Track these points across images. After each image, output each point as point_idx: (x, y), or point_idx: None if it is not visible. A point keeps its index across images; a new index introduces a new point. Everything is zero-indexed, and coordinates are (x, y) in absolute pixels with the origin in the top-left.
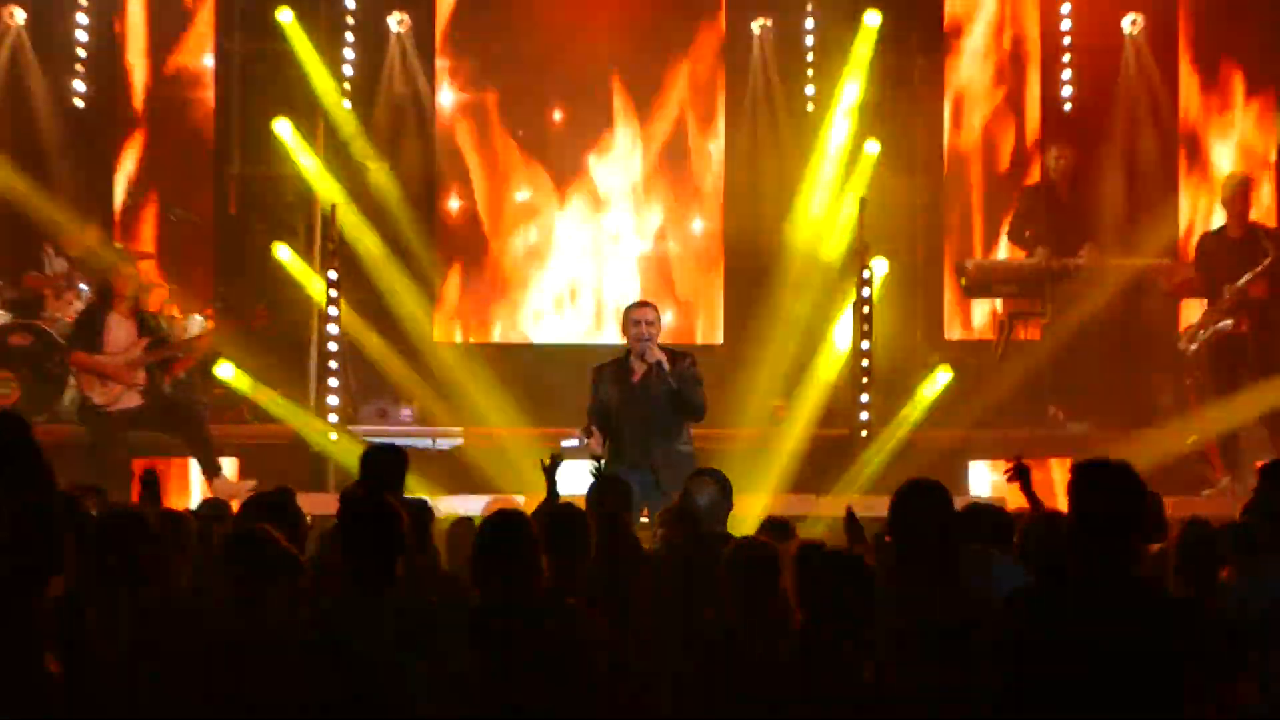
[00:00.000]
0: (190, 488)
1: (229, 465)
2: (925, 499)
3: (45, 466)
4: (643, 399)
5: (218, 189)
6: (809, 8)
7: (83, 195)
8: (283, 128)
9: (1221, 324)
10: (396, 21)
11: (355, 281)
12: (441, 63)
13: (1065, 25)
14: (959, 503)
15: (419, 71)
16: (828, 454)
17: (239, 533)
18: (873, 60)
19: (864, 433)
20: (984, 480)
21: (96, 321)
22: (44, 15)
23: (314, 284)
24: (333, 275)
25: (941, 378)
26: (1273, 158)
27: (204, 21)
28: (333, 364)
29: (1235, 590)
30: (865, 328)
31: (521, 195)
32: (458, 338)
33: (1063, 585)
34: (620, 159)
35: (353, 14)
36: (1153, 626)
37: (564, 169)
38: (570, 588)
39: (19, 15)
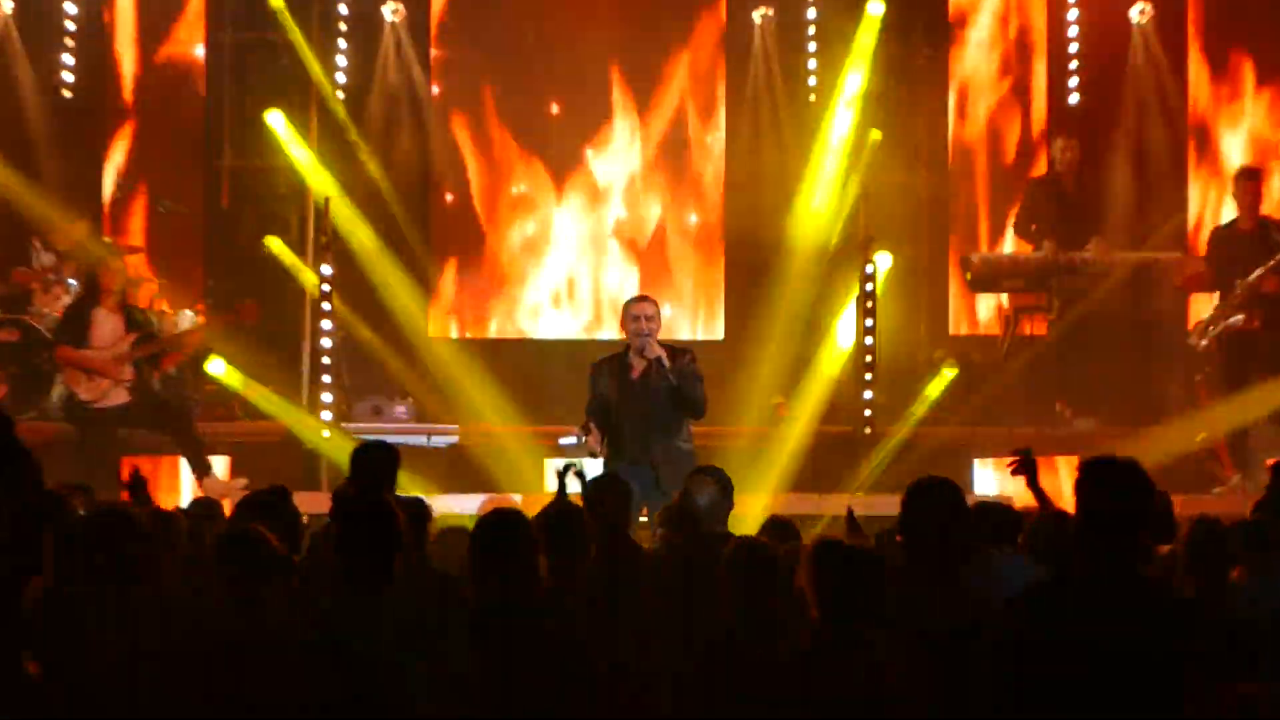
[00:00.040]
0: (180, 487)
1: (220, 463)
2: (937, 497)
3: (33, 465)
4: (642, 396)
5: (209, 181)
6: None
7: (71, 188)
8: (275, 119)
9: (1232, 319)
10: (391, 11)
11: (349, 276)
12: (436, 53)
13: (1072, 15)
14: None
15: (414, 62)
16: (830, 452)
17: (231, 533)
18: (876, 50)
19: (867, 430)
20: (989, 478)
21: (83, 316)
22: (31, 3)
23: (307, 278)
24: (326, 269)
25: (947, 371)
26: None
27: (194, 11)
28: (326, 360)
29: (1246, 590)
30: (869, 323)
31: (518, 188)
32: (453, 333)
33: (1068, 584)
34: (619, 151)
35: (346, 4)
36: (1156, 626)
37: (562, 161)
38: (569, 588)
39: (6, 4)
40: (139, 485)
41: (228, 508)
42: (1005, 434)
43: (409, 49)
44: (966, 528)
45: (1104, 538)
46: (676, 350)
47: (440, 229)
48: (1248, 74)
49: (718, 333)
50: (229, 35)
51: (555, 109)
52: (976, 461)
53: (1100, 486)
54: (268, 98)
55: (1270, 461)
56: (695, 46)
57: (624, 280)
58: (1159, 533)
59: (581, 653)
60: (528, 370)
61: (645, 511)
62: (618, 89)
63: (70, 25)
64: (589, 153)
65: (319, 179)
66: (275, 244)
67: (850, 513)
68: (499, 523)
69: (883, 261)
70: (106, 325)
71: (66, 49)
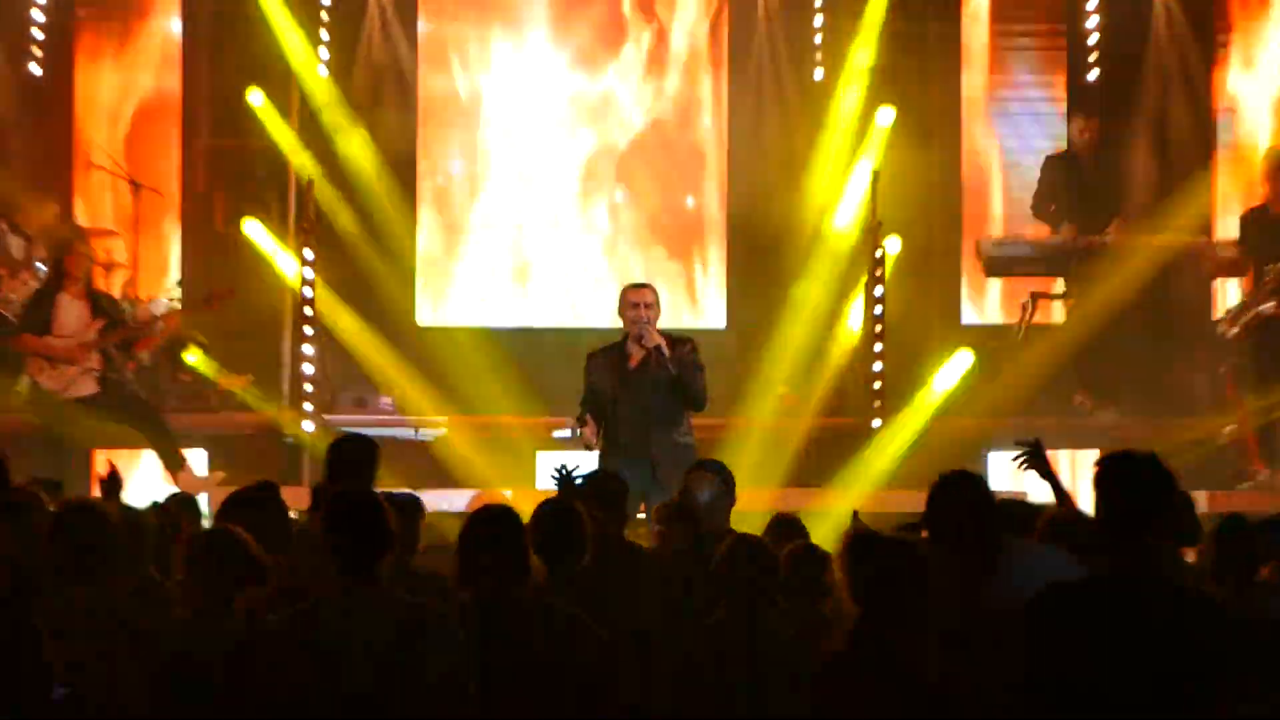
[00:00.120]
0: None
1: (197, 458)
2: (963, 491)
3: None
4: (640, 386)
5: (185, 162)
6: None
7: (40, 169)
8: (255, 97)
9: (1263, 306)
10: None
11: (332, 260)
12: (424, 28)
13: None
14: None
15: (400, 38)
16: (837, 445)
17: (204, 536)
18: (885, 25)
19: (876, 422)
20: (1004, 472)
21: (46, 303)
22: None
23: (288, 263)
24: (308, 254)
25: (961, 361)
26: None
27: None
28: (307, 348)
29: (1276, 589)
30: (878, 310)
31: (510, 169)
32: (442, 320)
33: (1086, 585)
34: (617, 130)
35: None
36: (1180, 627)
37: (556, 142)
38: (563, 588)
39: None
40: (114, 486)
41: (204, 504)
42: (1022, 426)
43: (395, 24)
44: (994, 523)
45: (1123, 536)
46: (677, 339)
47: (428, 211)
48: (1277, 49)
49: (719, 320)
50: (206, 8)
51: (550, 86)
52: (991, 455)
53: (1120, 482)
54: (246, 75)
55: None
56: (698, 21)
57: (621, 265)
58: (1183, 535)
59: (575, 656)
60: (520, 360)
61: (643, 508)
62: (615, 64)
63: (39, 0)
64: (585, 132)
65: (300, 159)
66: (254, 227)
67: (856, 515)
68: (489, 518)
69: (893, 246)
70: (72, 312)
71: (35, 24)
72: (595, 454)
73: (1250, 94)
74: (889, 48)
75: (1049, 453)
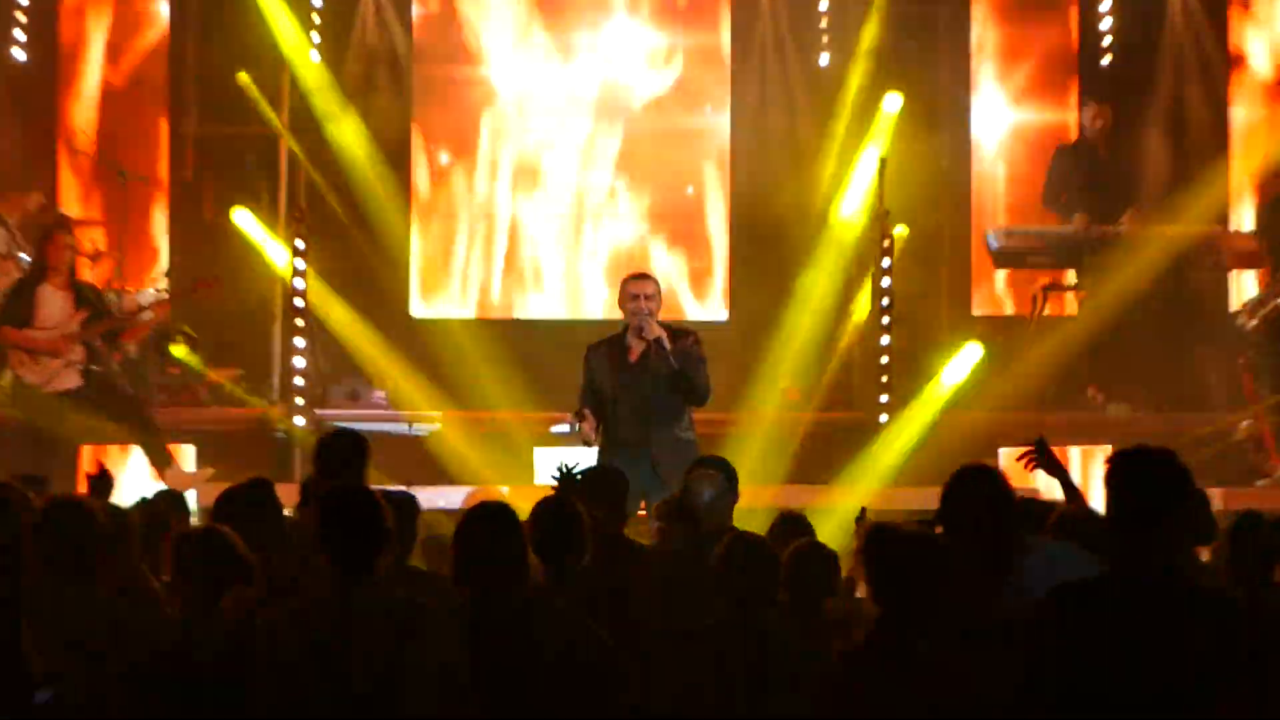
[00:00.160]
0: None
1: (185, 453)
2: (981, 486)
3: None
4: (640, 380)
5: (173, 149)
6: None
7: (24, 157)
8: (246, 81)
9: None
10: None
11: (323, 250)
12: (419, 11)
13: None
14: None
15: (394, 21)
16: (843, 440)
17: (191, 535)
18: (892, 8)
19: (883, 417)
20: (1015, 469)
21: (27, 294)
22: None
23: (278, 253)
24: (299, 243)
25: (971, 353)
26: None
27: None
28: (299, 341)
29: None
30: (885, 301)
31: (507, 156)
32: (437, 312)
33: (1099, 583)
34: (617, 116)
35: None
36: (1194, 626)
37: (554, 127)
38: (562, 588)
39: None
40: (105, 486)
41: (193, 501)
42: (1033, 421)
43: (388, 6)
44: (1012, 518)
45: (1137, 534)
46: (678, 331)
47: (422, 199)
48: None
49: (720, 312)
50: None
51: (548, 71)
52: (1002, 451)
53: (1132, 479)
54: (236, 60)
55: None
56: (701, 2)
57: (621, 255)
58: (1197, 533)
59: (576, 657)
60: (517, 353)
61: (643, 505)
62: (615, 49)
63: None
64: (584, 118)
65: (291, 146)
66: (244, 216)
67: (863, 513)
68: (485, 515)
69: (900, 235)
70: (54, 303)
71: (19, 7)
72: (594, 449)
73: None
74: (897, 32)
75: (1056, 448)
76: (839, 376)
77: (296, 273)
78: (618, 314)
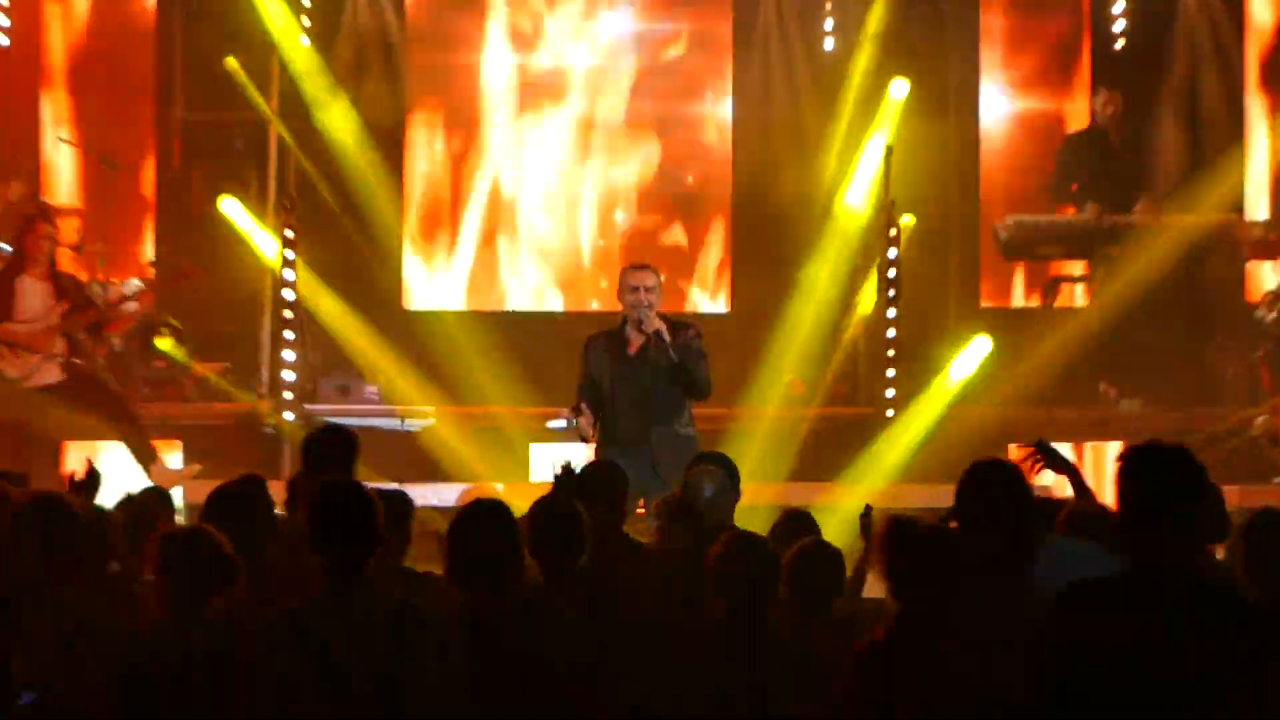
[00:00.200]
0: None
1: (171, 449)
2: (998, 480)
3: None
4: (639, 374)
5: (159, 137)
6: None
7: (4, 144)
8: (234, 66)
9: None
10: None
11: (314, 240)
12: None
13: None
14: None
15: (386, 4)
16: (848, 436)
17: (175, 535)
18: None
19: (889, 412)
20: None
21: (5, 286)
22: None
23: (267, 243)
24: (288, 233)
25: (979, 347)
26: None
27: None
28: (288, 333)
29: None
30: (891, 293)
31: (502, 143)
32: (430, 304)
33: (1111, 584)
34: (615, 100)
35: None
36: (1209, 629)
37: (551, 113)
38: (560, 588)
39: None
40: (91, 485)
41: (178, 498)
42: (1043, 416)
43: None
44: (1030, 514)
45: (1149, 532)
46: (678, 324)
47: (415, 188)
48: None
49: (721, 304)
50: None
51: (545, 54)
52: (1012, 447)
53: (1145, 476)
54: (224, 43)
55: None
56: None
57: (619, 245)
58: (1210, 531)
59: (575, 660)
60: (512, 346)
61: (641, 503)
62: (614, 32)
63: None
64: (581, 103)
65: (281, 133)
66: (232, 205)
67: (868, 510)
68: (480, 513)
69: (907, 225)
70: (34, 295)
71: None
72: (591, 445)
73: None
74: (904, 16)
75: (1066, 444)
76: (844, 370)
77: (286, 263)
78: (616, 306)
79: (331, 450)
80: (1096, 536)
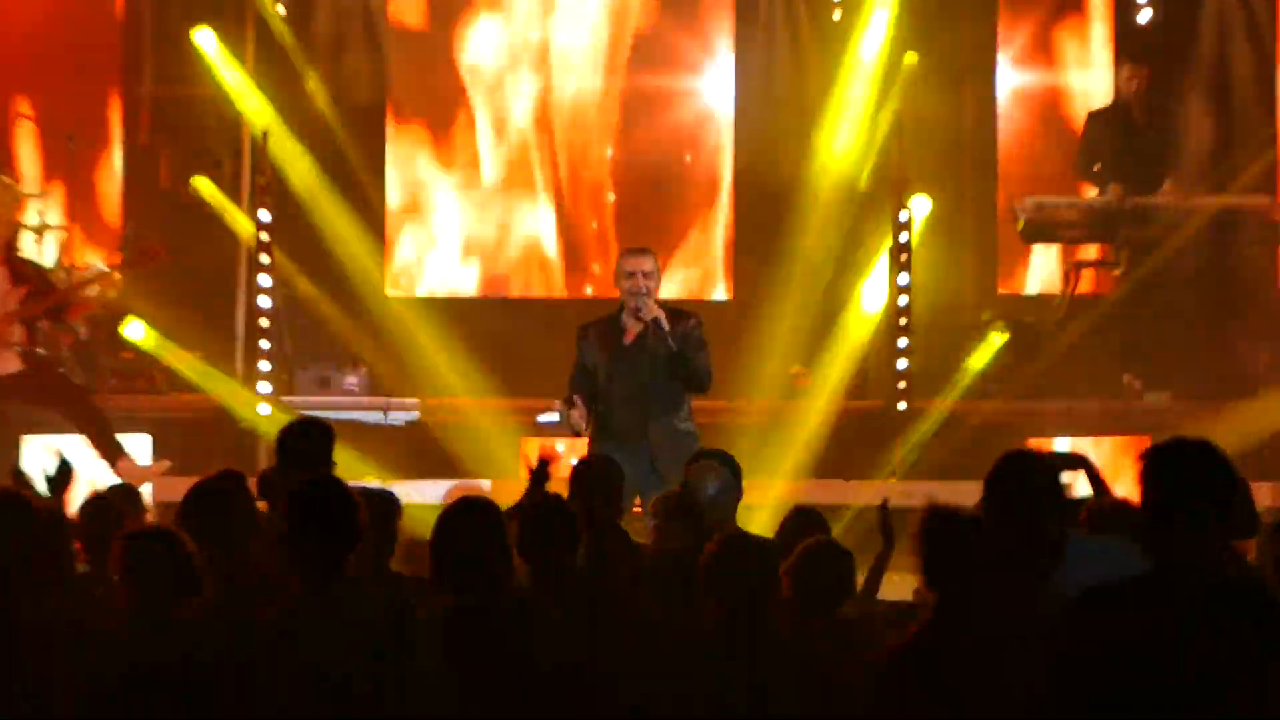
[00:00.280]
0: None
1: (140, 444)
2: (1027, 472)
3: None
4: (637, 364)
5: (126, 113)
6: None
7: None
8: (204, 38)
9: None
10: None
11: (291, 223)
12: None
13: None
14: None
15: None
16: (858, 431)
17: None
18: None
19: (902, 405)
20: None
21: None
22: None
23: (241, 225)
24: (264, 215)
25: (996, 336)
26: None
27: None
28: (264, 321)
29: None
30: (903, 279)
31: (490, 120)
32: (414, 290)
33: (1133, 584)
34: (608, 78)
35: None
36: (1236, 630)
37: (541, 88)
38: (549, 587)
39: None
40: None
41: (148, 496)
42: (1064, 409)
43: None
44: (1060, 508)
45: (1173, 530)
46: (678, 313)
47: (398, 167)
48: None
49: (722, 292)
50: None
51: (536, 30)
52: (1030, 442)
53: (1170, 472)
54: (195, 14)
55: None
56: None
57: (614, 229)
58: (1238, 527)
59: (565, 664)
60: (501, 334)
61: (638, 501)
62: (605, 3)
63: None
64: (574, 80)
65: (256, 109)
66: (204, 185)
67: (884, 505)
68: (466, 511)
69: (920, 207)
70: None
71: None
72: (585, 439)
73: None
74: None
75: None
76: (853, 361)
77: (261, 246)
78: (612, 292)
79: (307, 444)
80: (1121, 532)
